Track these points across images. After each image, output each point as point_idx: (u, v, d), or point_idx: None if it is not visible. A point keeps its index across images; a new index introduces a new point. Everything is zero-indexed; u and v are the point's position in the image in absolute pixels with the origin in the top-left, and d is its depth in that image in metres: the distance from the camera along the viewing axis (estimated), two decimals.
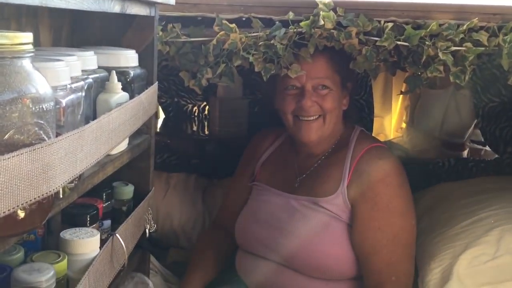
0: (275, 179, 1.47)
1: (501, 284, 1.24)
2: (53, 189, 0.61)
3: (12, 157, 0.53)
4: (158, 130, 2.10)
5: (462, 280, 1.27)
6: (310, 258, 1.33)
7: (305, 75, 1.33)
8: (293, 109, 1.36)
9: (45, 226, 0.90)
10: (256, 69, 1.28)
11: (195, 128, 2.14)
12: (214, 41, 1.25)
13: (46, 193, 0.59)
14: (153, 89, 1.08)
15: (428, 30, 1.19)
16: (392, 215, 1.32)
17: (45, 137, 0.60)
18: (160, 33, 1.25)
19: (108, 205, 1.04)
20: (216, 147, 1.93)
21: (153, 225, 1.12)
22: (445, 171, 1.78)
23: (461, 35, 1.20)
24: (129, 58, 1.01)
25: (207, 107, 2.16)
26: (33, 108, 0.58)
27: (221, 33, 1.25)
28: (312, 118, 1.36)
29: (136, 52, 1.05)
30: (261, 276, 1.41)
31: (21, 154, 0.54)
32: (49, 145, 0.59)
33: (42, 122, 0.59)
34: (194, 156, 1.94)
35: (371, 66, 1.29)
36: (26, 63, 0.59)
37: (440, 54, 1.19)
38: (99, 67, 0.95)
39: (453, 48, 1.20)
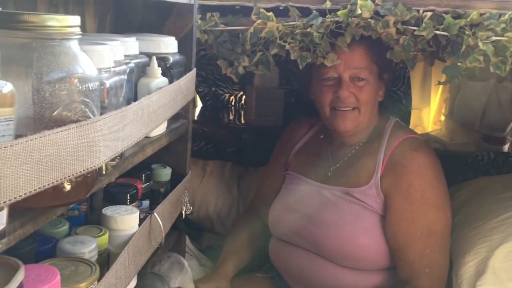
0: (308, 169, 1.48)
1: None
2: (97, 164, 0.65)
3: (61, 131, 0.57)
4: (195, 118, 2.15)
5: (497, 274, 1.25)
6: (341, 248, 1.34)
7: (342, 65, 1.33)
8: (331, 100, 1.36)
9: (88, 203, 0.95)
10: (292, 57, 1.29)
11: (231, 117, 2.18)
12: (252, 30, 1.27)
13: (90, 167, 0.63)
14: (191, 75, 1.12)
15: (468, 19, 1.18)
16: (426, 207, 1.31)
17: (90, 114, 0.64)
18: (199, 21, 1.28)
19: (147, 186, 1.08)
20: (252, 135, 1.95)
21: (189, 207, 1.16)
22: (484, 165, 1.75)
23: (503, 25, 1.17)
24: (168, 45, 1.04)
25: (243, 96, 2.19)
26: (80, 87, 0.62)
27: (258, 21, 1.27)
28: (348, 109, 1.36)
29: (176, 39, 1.08)
30: (293, 264, 1.43)
31: (69, 129, 0.58)
32: (94, 122, 0.63)
33: (88, 100, 0.63)
34: (230, 144, 1.98)
35: (409, 56, 1.28)
36: (74, 45, 0.63)
37: (480, 44, 1.17)
38: (141, 53, 0.98)
39: (494, 38, 1.17)
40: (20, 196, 0.52)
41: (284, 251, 1.45)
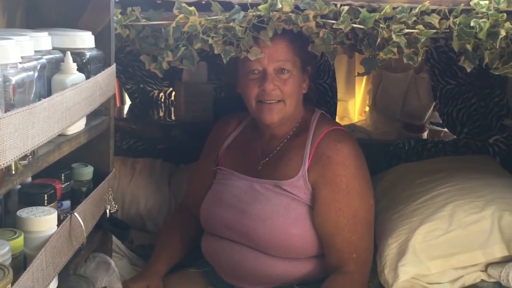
0: (239, 163, 1.50)
1: (452, 257, 1.30)
2: (2, 164, 0.62)
3: None
4: (124, 116, 2.11)
5: (417, 254, 1.32)
6: (274, 239, 1.37)
7: (266, 59, 1.35)
8: (256, 93, 1.39)
9: (1, 206, 0.91)
10: (216, 52, 1.30)
11: (161, 114, 2.16)
12: (174, 24, 1.27)
13: None
14: (111, 70, 1.09)
15: (382, 13, 1.23)
16: (352, 196, 1.37)
17: None
18: (120, 16, 1.25)
19: (67, 186, 1.05)
20: (182, 132, 1.94)
21: (114, 205, 1.14)
22: (405, 152, 1.84)
23: (414, 18, 1.23)
24: (84, 39, 1.01)
25: (173, 93, 2.17)
26: None
27: (180, 16, 1.26)
28: (273, 101, 1.39)
29: (93, 34, 1.05)
30: (226, 257, 1.44)
31: None
32: None
33: None
34: (160, 141, 1.96)
35: (329, 49, 1.32)
36: None
37: (393, 36, 1.23)
38: (55, 49, 0.95)
39: (406, 31, 1.23)
40: None
41: (217, 244, 1.46)
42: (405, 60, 1.26)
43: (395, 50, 1.25)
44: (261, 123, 1.45)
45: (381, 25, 1.23)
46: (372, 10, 1.26)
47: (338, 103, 2.03)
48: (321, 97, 1.99)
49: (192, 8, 1.26)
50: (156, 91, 2.19)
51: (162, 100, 2.20)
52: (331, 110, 1.99)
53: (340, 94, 2.03)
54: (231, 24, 1.27)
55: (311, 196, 1.38)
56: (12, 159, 0.65)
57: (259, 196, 1.41)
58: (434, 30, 1.23)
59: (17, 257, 0.80)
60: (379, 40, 1.24)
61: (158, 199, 1.78)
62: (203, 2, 1.32)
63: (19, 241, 0.81)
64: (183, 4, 1.26)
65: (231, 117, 1.61)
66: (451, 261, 1.30)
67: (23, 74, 0.74)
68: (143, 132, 1.90)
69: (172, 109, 2.15)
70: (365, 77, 2.07)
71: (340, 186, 1.36)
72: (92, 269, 1.11)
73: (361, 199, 1.39)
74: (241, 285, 1.44)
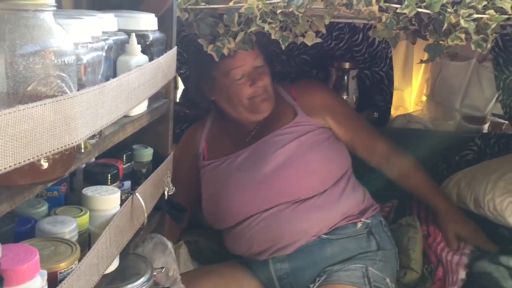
0: (227, 147, 1.53)
1: None
2: (75, 141, 0.63)
3: (36, 106, 0.55)
4: (177, 100, 2.12)
5: None
6: (299, 173, 1.43)
7: (246, 61, 1.44)
8: (249, 92, 1.46)
9: (67, 184, 0.93)
10: (273, 37, 1.28)
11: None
12: (231, 3, 1.25)
13: (68, 144, 0.61)
14: (172, 53, 1.10)
15: None
16: (349, 107, 1.67)
17: (67, 90, 0.62)
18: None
19: (128, 166, 1.07)
20: None
21: (171, 188, 1.15)
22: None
23: (484, 2, 1.17)
24: (148, 22, 1.02)
25: None
26: (56, 61, 0.60)
27: None
28: (263, 93, 1.47)
29: (155, 16, 1.06)
30: (261, 232, 1.42)
31: (45, 104, 0.56)
32: (71, 97, 0.61)
33: (64, 75, 0.61)
34: None
35: (391, 34, 1.27)
36: (48, 17, 0.61)
37: (462, 22, 1.17)
38: (119, 30, 0.96)
39: (475, 16, 1.17)
40: None
41: (246, 228, 1.44)
42: (473, 47, 1.20)
43: (462, 36, 1.20)
44: (255, 115, 1.49)
45: (448, 10, 1.18)
46: None
47: (394, 91, 1.97)
48: (377, 85, 1.94)
49: None
50: None
51: None
52: (387, 99, 1.94)
53: (396, 83, 1.97)
54: (290, 9, 1.25)
55: (316, 124, 1.50)
56: (83, 137, 0.66)
57: (266, 151, 1.46)
58: (506, 16, 1.17)
59: (82, 234, 0.82)
60: (445, 25, 1.19)
61: None
62: None
63: (85, 218, 0.83)
64: None
65: (194, 126, 1.67)
66: None
67: (93, 54, 0.75)
68: (197, 116, 1.91)
69: None
70: (423, 65, 1.99)
71: (342, 102, 1.65)
72: (150, 250, 1.13)
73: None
74: (278, 254, 1.43)
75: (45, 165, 0.62)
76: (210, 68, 1.47)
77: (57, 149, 0.60)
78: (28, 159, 0.55)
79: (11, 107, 0.53)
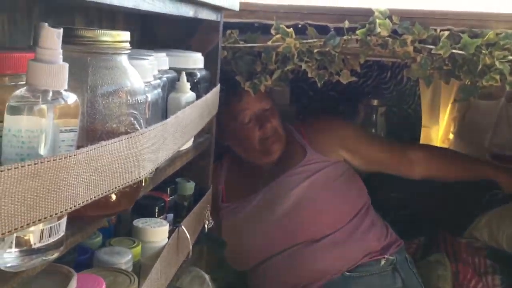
0: (243, 190, 1.54)
1: None
2: (143, 175, 0.66)
3: (114, 142, 0.59)
4: None
5: None
6: (313, 210, 1.44)
7: (252, 105, 1.47)
8: (259, 135, 1.48)
9: (116, 215, 0.96)
10: (310, 75, 1.32)
11: None
12: (270, 42, 1.30)
13: (137, 178, 0.65)
14: (216, 90, 1.14)
15: (485, 39, 1.21)
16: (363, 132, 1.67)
17: (138, 127, 0.66)
18: None
19: (172, 199, 1.09)
20: None
21: (211, 221, 1.17)
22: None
23: None
24: (196, 60, 1.06)
25: None
26: (130, 100, 0.64)
27: (277, 36, 1.30)
28: (274, 134, 1.49)
29: (202, 55, 1.10)
30: (284, 269, 1.43)
31: (121, 140, 0.60)
32: (142, 134, 0.65)
33: (136, 112, 0.65)
34: None
35: (426, 74, 1.31)
36: (124, 59, 0.65)
37: (496, 63, 1.20)
38: (170, 68, 1.00)
39: (510, 57, 1.21)
40: (79, 204, 0.53)
41: (269, 267, 1.46)
42: (507, 88, 1.23)
43: (497, 77, 1.23)
44: (268, 156, 1.51)
45: (483, 51, 1.21)
46: (474, 35, 1.24)
47: (421, 129, 1.99)
48: (405, 122, 1.96)
49: (290, 30, 1.29)
50: None
51: None
52: (415, 136, 1.95)
53: (423, 120, 1.99)
54: (327, 49, 1.29)
55: (329, 160, 1.50)
56: (148, 171, 0.69)
57: (280, 191, 1.46)
58: None
59: (136, 265, 0.84)
60: (480, 66, 1.22)
61: None
62: (299, 26, 1.35)
63: (138, 249, 0.85)
64: (282, 25, 1.30)
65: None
66: None
67: (154, 92, 0.79)
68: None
69: None
70: (450, 103, 2.02)
71: (353, 128, 1.63)
72: (188, 282, 1.14)
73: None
74: None
75: (113, 197, 0.65)
76: (219, 114, 1.48)
77: (128, 182, 0.63)
78: (105, 192, 0.58)
79: (89, 143, 0.56)
